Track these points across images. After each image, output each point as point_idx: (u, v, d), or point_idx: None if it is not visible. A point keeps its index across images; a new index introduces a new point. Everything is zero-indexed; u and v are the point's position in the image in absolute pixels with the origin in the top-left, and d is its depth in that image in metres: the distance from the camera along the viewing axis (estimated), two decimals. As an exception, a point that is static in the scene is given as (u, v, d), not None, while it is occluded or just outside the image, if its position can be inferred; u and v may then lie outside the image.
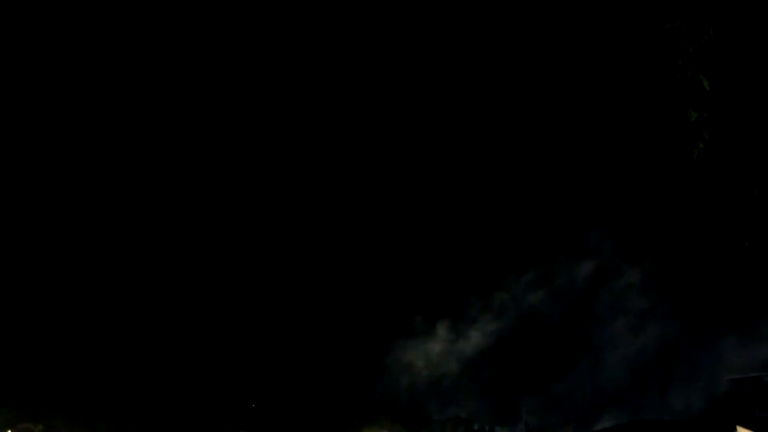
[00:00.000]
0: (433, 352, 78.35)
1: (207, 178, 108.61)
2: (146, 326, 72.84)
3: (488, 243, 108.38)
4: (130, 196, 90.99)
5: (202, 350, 75.13)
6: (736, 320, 66.50)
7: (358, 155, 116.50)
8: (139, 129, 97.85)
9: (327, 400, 70.48)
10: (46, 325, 62.19)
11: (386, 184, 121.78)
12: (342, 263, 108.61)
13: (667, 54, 6.89)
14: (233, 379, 70.09)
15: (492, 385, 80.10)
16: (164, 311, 76.81)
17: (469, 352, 79.67)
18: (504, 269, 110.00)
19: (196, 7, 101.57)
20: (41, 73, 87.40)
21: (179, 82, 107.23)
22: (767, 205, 6.64)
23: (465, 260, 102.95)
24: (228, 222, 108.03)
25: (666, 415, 61.83)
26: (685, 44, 6.82)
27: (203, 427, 60.46)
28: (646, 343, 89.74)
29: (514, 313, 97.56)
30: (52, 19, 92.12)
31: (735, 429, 46.51)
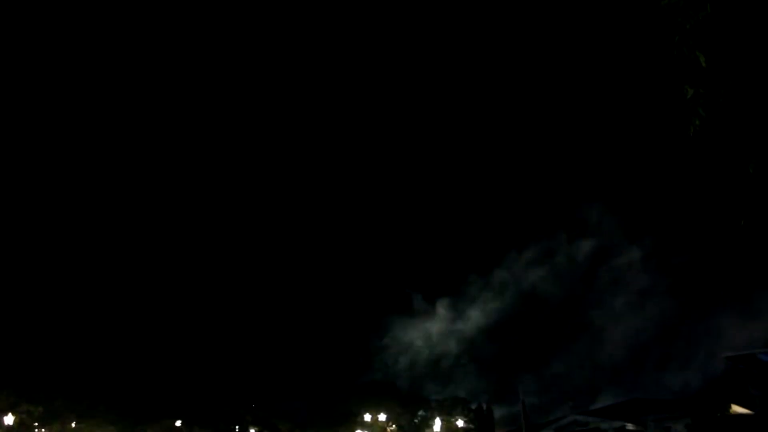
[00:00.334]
0: (433, 331, 78.40)
1: (207, 160, 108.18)
2: (146, 311, 73.05)
3: (488, 221, 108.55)
4: (132, 192, 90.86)
5: (202, 332, 75.39)
6: (734, 298, 66.85)
7: (358, 134, 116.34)
8: (139, 129, 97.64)
9: (326, 380, 70.80)
10: (46, 309, 62.37)
11: (386, 163, 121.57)
12: (341, 242, 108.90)
13: (664, 30, 6.83)
14: (232, 360, 70.35)
15: (491, 365, 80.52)
16: (163, 294, 77.02)
17: (468, 331, 79.81)
18: (504, 247, 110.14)
19: (196, 8, 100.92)
20: (41, 73, 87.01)
21: (179, 83, 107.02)
22: (763, 182, 6.63)
23: (465, 238, 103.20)
24: (227, 203, 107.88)
25: (664, 393, 62.33)
26: (682, 20, 6.76)
27: (202, 409, 60.73)
28: (645, 322, 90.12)
29: (514, 292, 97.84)
30: (52, 19, 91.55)
31: (730, 406, 46.86)
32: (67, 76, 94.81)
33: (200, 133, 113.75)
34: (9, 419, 43.34)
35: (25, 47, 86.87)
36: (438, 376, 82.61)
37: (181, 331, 72.76)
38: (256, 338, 78.04)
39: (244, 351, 74.04)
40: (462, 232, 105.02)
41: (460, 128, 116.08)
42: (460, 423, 57.69)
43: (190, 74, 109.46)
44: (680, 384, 68.00)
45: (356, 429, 62.67)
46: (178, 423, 59.14)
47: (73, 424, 50.71)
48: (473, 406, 61.56)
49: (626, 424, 46.34)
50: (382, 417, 61.32)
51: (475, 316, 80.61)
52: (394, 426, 62.26)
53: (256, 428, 64.38)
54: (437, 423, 57.98)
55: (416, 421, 61.18)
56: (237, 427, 63.56)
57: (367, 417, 61.13)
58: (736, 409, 47.67)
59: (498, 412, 63.53)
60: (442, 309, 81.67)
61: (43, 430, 48.05)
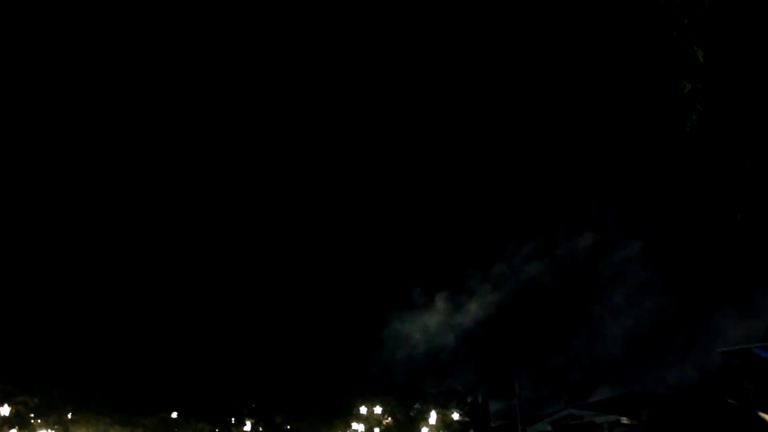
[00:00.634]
0: (431, 324, 78.42)
1: (207, 157, 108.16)
2: (141, 302, 73.01)
3: (488, 214, 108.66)
4: (134, 184, 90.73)
5: (198, 324, 75.40)
6: (732, 293, 67.00)
7: (357, 125, 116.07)
8: (139, 129, 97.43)
9: (322, 373, 70.94)
10: (42, 300, 62.31)
11: (384, 157, 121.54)
12: (339, 234, 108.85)
13: (662, 25, 6.85)
14: (229, 353, 70.44)
15: (488, 358, 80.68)
16: (158, 285, 76.97)
17: (466, 325, 79.85)
18: (504, 240, 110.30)
19: (197, 8, 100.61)
20: (41, 73, 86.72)
21: (179, 83, 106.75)
22: (760, 177, 6.66)
23: (464, 231, 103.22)
24: (224, 194, 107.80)
25: (660, 387, 62.47)
26: (680, 15, 6.78)
27: (198, 401, 60.84)
28: (643, 316, 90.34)
29: (513, 285, 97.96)
30: (52, 19, 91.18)
31: (725, 401, 47.06)
32: (66, 76, 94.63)
33: (199, 124, 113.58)
34: (5, 410, 43.39)
35: (24, 47, 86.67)
36: (435, 370, 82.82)
37: (177, 323, 72.79)
38: (252, 331, 78.12)
39: (240, 343, 74.13)
40: (461, 226, 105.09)
41: (459, 120, 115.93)
42: (455, 416, 57.89)
43: (190, 74, 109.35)
44: (677, 379, 68.24)
45: (352, 422, 62.86)
46: (174, 415, 59.25)
47: (69, 415, 50.75)
48: (469, 400, 61.78)
49: (621, 417, 46.59)
50: (378, 410, 61.52)
51: (474, 310, 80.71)
52: (389, 419, 62.46)
53: (252, 420, 64.53)
54: (433, 416, 58.18)
55: (412, 414, 61.38)
56: (233, 419, 63.70)
57: (363, 410, 61.31)
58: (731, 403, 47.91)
59: (494, 406, 63.77)
60: (440, 302, 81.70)
61: (39, 421, 48.06)
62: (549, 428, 53.30)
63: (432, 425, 57.47)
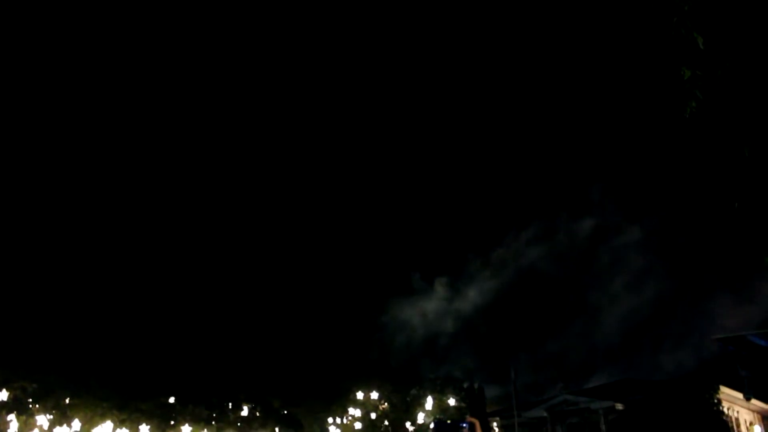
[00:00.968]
0: (430, 310, 78.46)
1: (208, 152, 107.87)
2: (138, 287, 73.07)
3: (489, 200, 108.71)
4: (131, 176, 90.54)
5: (195, 309, 75.52)
6: (729, 281, 67.21)
7: (357, 115, 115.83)
8: (139, 123, 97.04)
9: (320, 359, 71.18)
10: (40, 285, 62.33)
11: (385, 141, 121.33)
12: (340, 220, 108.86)
13: (662, 11, 6.81)
14: (226, 339, 70.61)
15: (486, 344, 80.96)
16: (155, 271, 77.03)
17: (465, 311, 79.91)
18: (504, 225, 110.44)
19: (197, 8, 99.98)
20: (41, 73, 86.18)
21: (179, 83, 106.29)
22: (758, 165, 6.65)
23: (465, 217, 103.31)
24: (227, 183, 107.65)
25: (657, 374, 62.79)
26: (680, 1, 6.74)
27: (195, 386, 61.03)
28: (641, 303, 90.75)
29: (513, 271, 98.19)
30: (52, 19, 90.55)
31: (718, 388, 47.35)
32: (67, 76, 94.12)
33: (197, 111, 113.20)
34: (3, 395, 43.53)
35: (24, 46, 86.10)
36: (433, 355, 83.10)
37: (174, 309, 72.91)
38: (250, 316, 78.29)
39: (237, 329, 74.30)
40: (462, 211, 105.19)
41: (460, 107, 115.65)
42: (451, 401, 58.21)
43: (190, 74, 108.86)
44: (674, 365, 68.57)
45: (349, 406, 63.19)
46: (172, 400, 59.47)
47: (67, 401, 50.91)
48: (465, 385, 62.06)
49: (615, 404, 46.83)
50: (374, 395, 61.83)
51: (473, 295, 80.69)
52: (386, 404, 62.79)
53: (249, 405, 64.80)
54: (429, 401, 58.49)
55: (408, 399, 61.69)
56: (230, 403, 63.96)
57: (360, 395, 61.63)
58: (725, 390, 48.21)
59: (492, 391, 64.07)
60: (440, 288, 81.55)
61: (37, 406, 48.20)
62: (544, 414, 53.59)
63: (428, 410, 57.78)
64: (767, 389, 48.10)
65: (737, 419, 51.53)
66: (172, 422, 58.64)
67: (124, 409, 55.20)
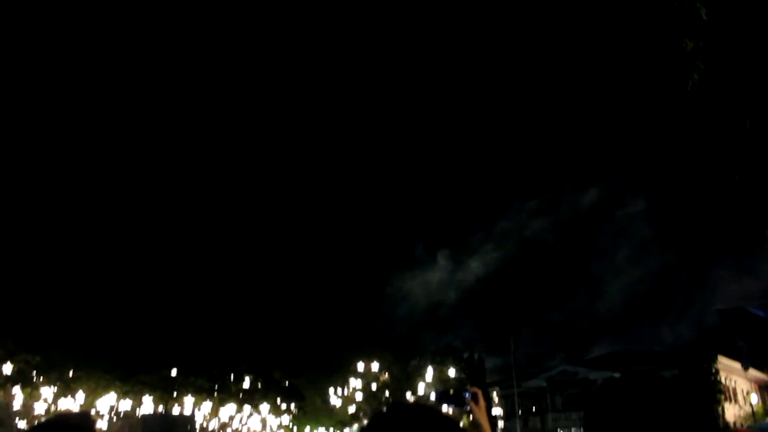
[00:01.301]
0: (433, 281, 78.53)
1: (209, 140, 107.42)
2: (141, 261, 73.30)
3: (492, 171, 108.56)
4: (131, 162, 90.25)
5: (198, 282, 75.86)
6: (731, 253, 67.42)
7: (362, 87, 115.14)
8: (139, 117, 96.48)
9: (321, 331, 71.67)
10: (44, 256, 62.52)
11: (388, 115, 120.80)
12: (344, 191, 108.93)
13: (665, -19, 6.73)
14: (228, 311, 71.00)
15: (488, 315, 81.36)
16: (158, 244, 77.20)
17: (467, 282, 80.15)
18: (508, 197, 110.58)
19: (197, 8, 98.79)
20: (41, 73, 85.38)
21: (179, 82, 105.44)
22: (760, 137, 6.63)
23: (468, 188, 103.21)
24: (230, 162, 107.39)
25: (657, 346, 63.31)
26: (683, -29, 6.66)
27: (198, 358, 61.51)
28: (644, 275, 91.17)
29: (516, 243, 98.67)
30: (52, 19, 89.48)
31: (716, 358, 47.74)
32: (67, 76, 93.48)
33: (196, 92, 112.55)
34: (7, 368, 43.86)
35: (23, 46, 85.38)
36: (435, 326, 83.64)
37: (176, 281, 73.22)
38: (252, 288, 78.68)
39: (239, 301, 74.70)
40: (465, 183, 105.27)
41: (465, 79, 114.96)
42: (452, 372, 58.67)
43: (190, 74, 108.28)
44: (674, 337, 69.05)
45: (350, 377, 63.74)
46: (174, 372, 59.98)
47: (71, 373, 51.34)
48: (465, 356, 62.52)
49: (614, 374, 47.25)
50: (375, 366, 62.32)
51: (475, 267, 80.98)
52: (387, 375, 63.32)
53: (251, 376, 65.39)
54: (429, 372, 58.97)
55: (409, 370, 62.20)
56: (232, 375, 64.53)
57: (361, 366, 62.13)
58: (723, 360, 48.62)
59: (492, 362, 64.66)
60: (442, 259, 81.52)
61: (41, 378, 48.63)
62: (544, 384, 54.16)
63: (429, 382, 58.29)
64: (765, 359, 48.51)
65: (734, 389, 52.06)
66: (175, 394, 59.24)
67: (127, 381, 55.72)
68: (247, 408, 64.64)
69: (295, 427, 73.35)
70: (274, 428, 71.18)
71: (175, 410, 58.68)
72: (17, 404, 46.50)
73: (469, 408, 3.66)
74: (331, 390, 66.43)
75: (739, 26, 6.59)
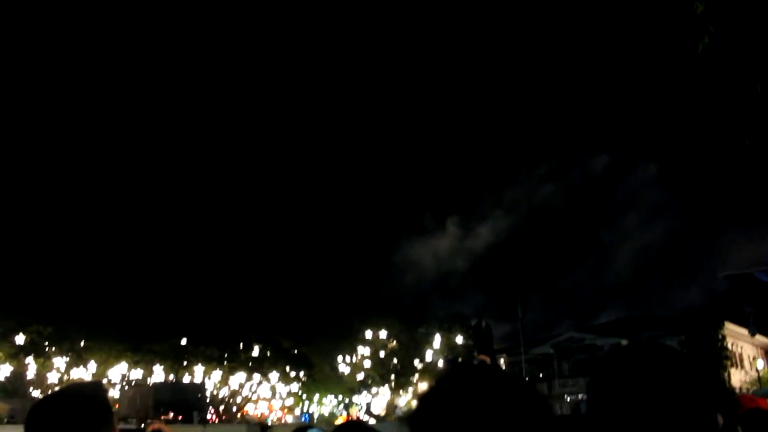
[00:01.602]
0: (442, 249, 78.38)
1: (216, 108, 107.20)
2: (152, 231, 73.60)
3: (502, 137, 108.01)
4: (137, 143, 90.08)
5: (207, 251, 76.21)
6: (741, 217, 66.93)
7: (370, 59, 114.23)
8: (139, 113, 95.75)
9: (330, 299, 72.05)
10: (55, 229, 62.87)
11: (397, 80, 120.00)
12: (352, 158, 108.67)
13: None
14: (237, 279, 71.38)
15: (496, 282, 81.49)
16: (167, 213, 77.43)
17: (476, 249, 79.91)
18: (518, 163, 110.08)
19: (197, 8, 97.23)
20: (41, 72, 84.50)
21: (179, 82, 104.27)
22: (770, 101, 6.54)
23: (477, 154, 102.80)
24: (237, 142, 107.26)
25: (665, 311, 63.28)
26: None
27: (207, 327, 62.04)
28: (653, 240, 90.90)
29: (526, 209, 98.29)
30: (52, 18, 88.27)
31: (723, 324, 47.83)
32: (67, 76, 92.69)
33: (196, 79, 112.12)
34: (20, 338, 44.44)
35: (23, 46, 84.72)
36: (444, 294, 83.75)
37: (186, 250, 73.58)
38: (260, 256, 78.99)
39: (248, 269, 75.05)
40: (474, 149, 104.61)
41: (473, 45, 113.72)
42: (459, 339, 59.06)
43: (190, 74, 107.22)
44: (683, 302, 68.88)
45: (358, 345, 64.26)
46: (184, 341, 60.60)
47: (82, 343, 51.95)
48: (473, 323, 62.78)
49: (621, 340, 47.45)
50: (383, 334, 62.78)
51: (484, 234, 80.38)
52: (394, 342, 63.79)
53: (260, 345, 65.99)
54: (437, 339, 59.36)
55: (416, 337, 62.60)
56: (241, 344, 65.12)
57: (368, 334, 62.58)
58: (729, 326, 48.75)
59: (501, 329, 64.76)
60: (451, 226, 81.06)
61: (53, 348, 49.24)
62: (551, 351, 54.52)
63: (436, 349, 58.71)
64: (772, 325, 48.53)
65: (741, 354, 52.30)
66: (185, 363, 59.91)
67: (138, 350, 56.38)
68: (256, 376, 65.37)
69: (304, 395, 74.21)
70: (284, 396, 72.04)
71: (186, 379, 59.47)
72: (30, 374, 47.22)
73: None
74: (340, 358, 66.98)
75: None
